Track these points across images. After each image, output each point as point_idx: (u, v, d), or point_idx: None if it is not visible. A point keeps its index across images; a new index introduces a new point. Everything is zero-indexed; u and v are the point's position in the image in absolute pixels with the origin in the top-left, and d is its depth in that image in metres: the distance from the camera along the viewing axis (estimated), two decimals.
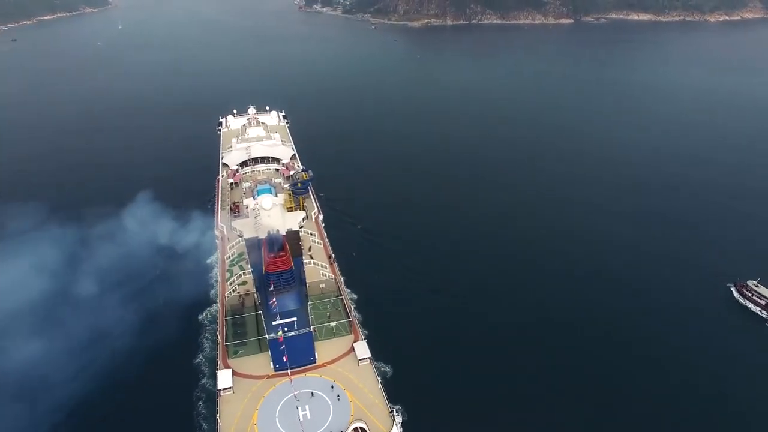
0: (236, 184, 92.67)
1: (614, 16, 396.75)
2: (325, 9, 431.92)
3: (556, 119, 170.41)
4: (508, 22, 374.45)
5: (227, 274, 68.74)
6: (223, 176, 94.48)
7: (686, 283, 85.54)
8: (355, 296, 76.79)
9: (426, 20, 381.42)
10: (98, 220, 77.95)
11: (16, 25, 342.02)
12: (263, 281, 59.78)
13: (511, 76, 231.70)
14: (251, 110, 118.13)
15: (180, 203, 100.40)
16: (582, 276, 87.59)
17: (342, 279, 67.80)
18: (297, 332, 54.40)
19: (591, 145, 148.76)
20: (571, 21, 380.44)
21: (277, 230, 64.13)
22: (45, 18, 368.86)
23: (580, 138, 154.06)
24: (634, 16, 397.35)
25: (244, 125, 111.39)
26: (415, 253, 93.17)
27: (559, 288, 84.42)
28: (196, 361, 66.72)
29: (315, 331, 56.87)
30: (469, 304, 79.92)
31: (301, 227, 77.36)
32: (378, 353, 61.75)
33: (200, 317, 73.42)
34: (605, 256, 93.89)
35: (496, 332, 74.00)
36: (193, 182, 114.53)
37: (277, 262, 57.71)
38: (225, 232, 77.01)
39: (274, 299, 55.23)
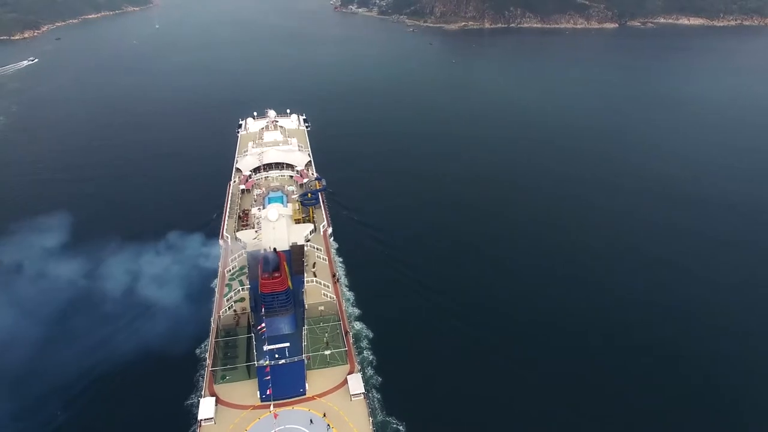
0: (248, 190, 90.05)
1: (663, 20, 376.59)
2: (360, 10, 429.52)
3: (600, 133, 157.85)
4: (548, 26, 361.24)
5: (225, 289, 65.65)
6: (235, 182, 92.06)
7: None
8: (360, 314, 72.43)
9: (463, 23, 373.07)
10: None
11: (63, 23, 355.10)
12: (259, 301, 56.29)
13: (549, 85, 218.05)
14: (271, 113, 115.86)
15: (193, 212, 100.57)
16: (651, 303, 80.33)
17: (344, 301, 63.57)
18: (288, 360, 50.62)
19: (635, 159, 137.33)
20: (616, 26, 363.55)
21: (273, 248, 60.21)
22: (89, 17, 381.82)
23: (623, 153, 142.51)
24: (685, 21, 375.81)
25: (262, 129, 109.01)
26: (438, 275, 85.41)
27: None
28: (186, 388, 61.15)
29: (309, 359, 52.93)
30: (499, 346, 69.66)
31: (308, 241, 73.59)
32: (375, 387, 57.25)
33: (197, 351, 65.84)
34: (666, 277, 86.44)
35: (525, 379, 65.36)
36: (212, 188, 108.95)
37: (272, 283, 54.01)
38: (229, 243, 74.19)
39: (263, 325, 51.41)
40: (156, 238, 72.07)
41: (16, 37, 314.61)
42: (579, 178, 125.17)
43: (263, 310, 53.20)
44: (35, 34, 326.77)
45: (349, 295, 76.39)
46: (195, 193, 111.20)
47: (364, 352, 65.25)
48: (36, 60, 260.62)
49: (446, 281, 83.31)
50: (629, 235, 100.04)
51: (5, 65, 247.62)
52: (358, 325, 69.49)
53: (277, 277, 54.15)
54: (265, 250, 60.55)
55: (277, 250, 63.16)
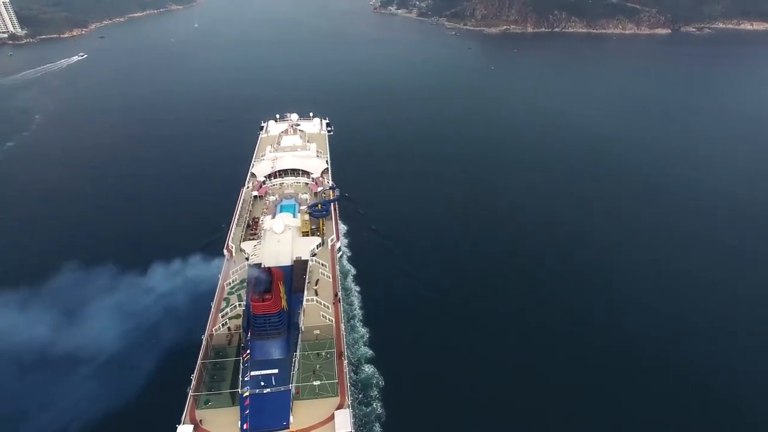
0: (261, 197, 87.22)
1: (722, 25, 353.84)
2: (400, 11, 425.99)
3: (652, 149, 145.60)
4: (594, 31, 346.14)
5: (223, 303, 62.53)
6: (248, 187, 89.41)
7: None
8: (366, 334, 68.06)
9: (504, 26, 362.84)
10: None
11: (110, 22, 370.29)
12: (251, 321, 52.77)
13: (594, 97, 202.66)
14: (293, 116, 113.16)
15: (203, 218, 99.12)
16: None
17: (343, 325, 59.17)
18: (274, 389, 46.94)
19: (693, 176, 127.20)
20: (668, 31, 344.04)
21: (267, 267, 56.40)
22: (135, 15, 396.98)
23: (674, 172, 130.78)
24: (747, 26, 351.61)
25: (282, 133, 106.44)
26: (457, 300, 79.43)
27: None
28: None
29: (298, 392, 49.01)
30: (517, 383, 64.51)
31: (314, 255, 69.66)
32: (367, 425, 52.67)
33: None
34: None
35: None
36: (226, 193, 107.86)
37: (262, 306, 50.34)
38: (233, 253, 71.28)
39: (248, 352, 47.82)
40: (163, 248, 70.48)
41: (66, 35, 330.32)
42: (617, 195, 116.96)
43: (249, 333, 49.69)
44: (83, 32, 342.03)
45: (358, 313, 72.49)
46: (210, 197, 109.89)
47: (364, 378, 61.11)
48: (85, 56, 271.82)
49: (474, 309, 76.12)
50: (706, 260, 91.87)
51: (56, 61, 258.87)
52: (361, 349, 65.41)
53: (268, 299, 50.40)
54: (261, 266, 57.03)
55: (277, 266, 59.67)
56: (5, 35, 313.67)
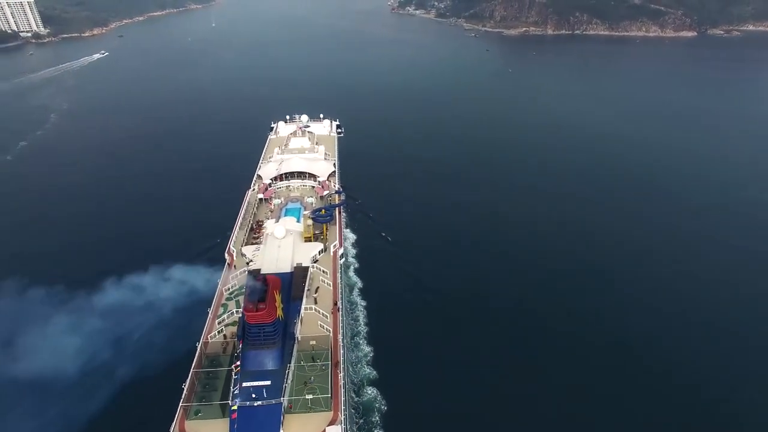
0: (266, 199, 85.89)
1: (752, 27, 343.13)
2: (418, 12, 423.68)
3: (682, 159, 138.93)
4: (617, 33, 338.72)
5: (220, 309, 61.04)
6: (253, 190, 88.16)
7: None
8: (370, 353, 65.54)
9: (524, 28, 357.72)
10: None
11: (130, 21, 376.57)
12: (246, 330, 51.15)
13: (615, 105, 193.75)
14: (303, 117, 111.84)
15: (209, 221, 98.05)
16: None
17: (341, 336, 57.03)
18: (265, 402, 45.18)
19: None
20: (694, 34, 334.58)
21: (263, 276, 54.72)
22: (155, 14, 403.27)
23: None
24: None
25: (290, 134, 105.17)
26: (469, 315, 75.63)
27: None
28: None
29: (290, 406, 47.23)
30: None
31: (315, 261, 67.86)
32: None
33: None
34: None
35: None
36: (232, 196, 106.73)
37: (255, 316, 48.65)
38: (234, 258, 69.91)
39: (238, 363, 46.17)
40: (164, 250, 69.17)
41: (86, 34, 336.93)
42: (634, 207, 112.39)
43: (241, 343, 48.07)
44: (103, 31, 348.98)
45: (362, 329, 70.08)
46: (218, 198, 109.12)
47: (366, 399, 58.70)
48: (106, 53, 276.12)
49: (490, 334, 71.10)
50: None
51: (76, 60, 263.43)
52: (364, 369, 62.84)
53: (262, 309, 48.68)
54: (260, 272, 55.40)
55: (276, 273, 58.01)
56: (29, 34, 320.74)
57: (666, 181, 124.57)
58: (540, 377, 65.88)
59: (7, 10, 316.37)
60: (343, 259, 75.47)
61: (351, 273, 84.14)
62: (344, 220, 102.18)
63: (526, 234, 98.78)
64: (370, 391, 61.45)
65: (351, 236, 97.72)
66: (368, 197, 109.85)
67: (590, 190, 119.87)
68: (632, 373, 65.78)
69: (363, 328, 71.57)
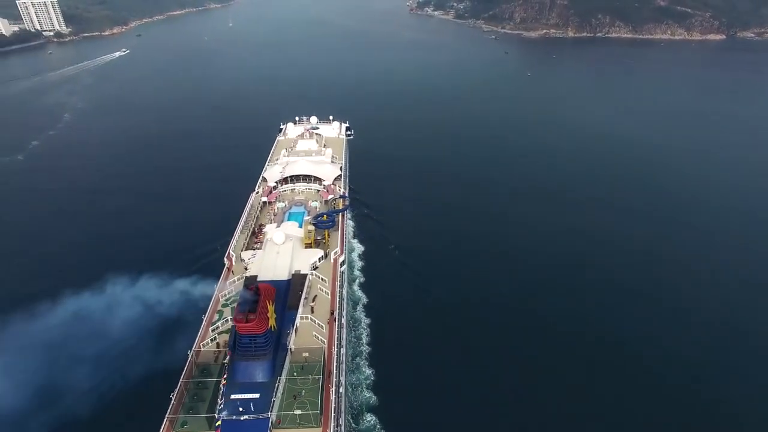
0: (270, 202, 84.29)
1: None
2: (436, 13, 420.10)
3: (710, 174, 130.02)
4: (641, 36, 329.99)
5: (215, 316, 59.35)
6: (258, 192, 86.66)
7: None
8: (372, 376, 62.85)
9: (544, 30, 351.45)
10: None
11: (150, 20, 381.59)
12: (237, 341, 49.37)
13: (636, 111, 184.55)
14: (312, 119, 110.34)
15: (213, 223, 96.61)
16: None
17: (335, 347, 54.80)
18: (252, 416, 43.32)
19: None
20: (722, 37, 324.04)
21: (255, 285, 52.84)
22: (174, 13, 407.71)
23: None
24: None
25: (298, 136, 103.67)
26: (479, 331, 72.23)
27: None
28: None
29: (279, 421, 45.27)
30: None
31: (315, 269, 65.83)
32: None
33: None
34: None
35: None
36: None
37: (246, 326, 46.82)
38: (233, 262, 68.34)
39: (224, 376, 44.37)
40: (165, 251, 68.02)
41: (106, 33, 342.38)
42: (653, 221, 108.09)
43: (230, 354, 46.32)
44: (123, 30, 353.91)
45: (364, 350, 67.58)
46: (224, 200, 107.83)
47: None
48: (127, 51, 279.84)
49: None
50: None
51: (95, 58, 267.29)
52: (364, 394, 60.02)
53: (252, 320, 46.82)
54: (256, 279, 53.63)
55: (271, 281, 56.12)
56: (51, 33, 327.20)
57: (684, 185, 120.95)
58: (540, 377, 64.89)
59: (31, 10, 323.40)
60: (345, 267, 73.01)
61: (356, 287, 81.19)
62: (352, 228, 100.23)
63: (564, 247, 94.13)
64: (369, 419, 57.98)
65: (359, 247, 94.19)
66: (379, 203, 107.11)
67: (607, 194, 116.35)
68: (632, 373, 65.79)
69: (365, 348, 68.10)
